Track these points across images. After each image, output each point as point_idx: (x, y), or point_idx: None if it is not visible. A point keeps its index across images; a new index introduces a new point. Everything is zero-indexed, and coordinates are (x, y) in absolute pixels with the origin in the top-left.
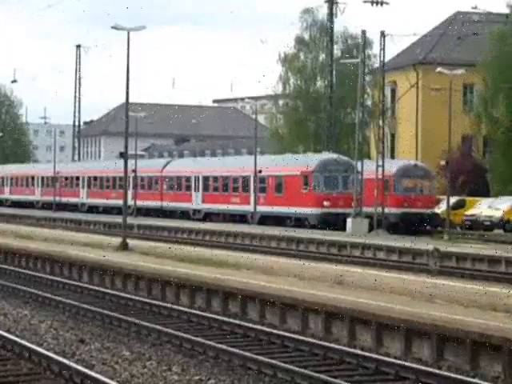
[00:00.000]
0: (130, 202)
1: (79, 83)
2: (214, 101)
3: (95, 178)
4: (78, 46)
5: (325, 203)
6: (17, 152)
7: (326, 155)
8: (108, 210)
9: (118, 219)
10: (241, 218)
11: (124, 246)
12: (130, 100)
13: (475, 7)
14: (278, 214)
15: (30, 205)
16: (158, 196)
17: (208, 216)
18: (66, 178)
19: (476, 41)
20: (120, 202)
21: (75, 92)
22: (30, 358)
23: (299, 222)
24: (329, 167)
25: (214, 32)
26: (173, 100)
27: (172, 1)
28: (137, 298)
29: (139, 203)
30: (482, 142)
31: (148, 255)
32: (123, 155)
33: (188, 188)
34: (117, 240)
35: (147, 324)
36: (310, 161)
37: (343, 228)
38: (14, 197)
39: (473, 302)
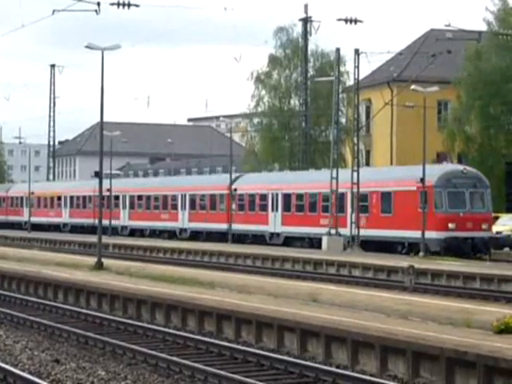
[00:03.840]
0: (181, 224)
1: (54, 103)
2: (189, 119)
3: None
4: (53, 66)
5: (449, 225)
6: None
7: (450, 166)
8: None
9: (94, 238)
10: None
11: (99, 266)
12: (105, 119)
13: (449, 25)
14: (385, 239)
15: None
16: (223, 217)
17: (288, 241)
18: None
19: (450, 58)
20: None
21: (50, 111)
22: (5, 379)
23: (414, 248)
24: (454, 181)
25: (188, 50)
26: (148, 119)
27: (145, 20)
28: (112, 317)
29: (193, 225)
30: (457, 159)
31: (123, 274)
32: (98, 174)
33: (263, 208)
34: (92, 259)
35: (122, 343)
36: (429, 173)
37: (473, 255)
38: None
39: (447, 319)
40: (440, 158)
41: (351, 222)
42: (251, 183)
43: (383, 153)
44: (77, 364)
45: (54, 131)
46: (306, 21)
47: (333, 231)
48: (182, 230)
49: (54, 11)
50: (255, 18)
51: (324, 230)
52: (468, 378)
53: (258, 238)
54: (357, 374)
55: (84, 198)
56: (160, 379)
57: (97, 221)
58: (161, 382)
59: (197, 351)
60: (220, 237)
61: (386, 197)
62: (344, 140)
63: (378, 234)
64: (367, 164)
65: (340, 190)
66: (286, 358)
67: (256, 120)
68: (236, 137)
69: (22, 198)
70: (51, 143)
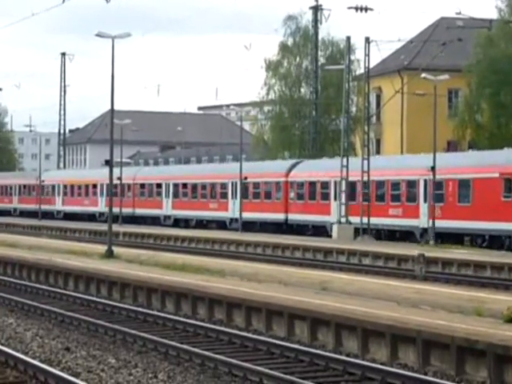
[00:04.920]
0: (232, 214)
1: (64, 91)
2: (199, 108)
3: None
4: (63, 54)
5: None
6: (2, 160)
7: None
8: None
9: (104, 227)
10: (404, 235)
11: (110, 254)
12: (116, 108)
13: (459, 13)
14: (462, 231)
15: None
16: (280, 207)
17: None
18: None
19: (460, 46)
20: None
21: (60, 100)
22: (16, 367)
23: (497, 242)
24: None
25: (199, 39)
26: (158, 107)
27: (155, 8)
28: (122, 305)
29: (246, 215)
30: (467, 147)
31: (133, 263)
32: (108, 163)
33: (325, 197)
34: (103, 248)
35: (133, 331)
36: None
37: None
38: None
39: (458, 308)
40: (450, 147)
41: (427, 213)
42: (311, 170)
43: (393, 141)
44: (87, 352)
45: (64, 119)
46: (316, 9)
47: (343, 219)
48: (233, 220)
49: (64, 0)
50: (265, 6)
51: (393, 221)
52: (478, 366)
53: (319, 230)
54: (367, 362)
55: (122, 185)
56: (170, 367)
57: (136, 210)
58: (171, 369)
59: (207, 339)
60: (275, 228)
61: (464, 185)
62: (354, 129)
63: (454, 225)
64: (377, 153)
65: (411, 178)
66: (296, 346)
67: (266, 108)
68: (246, 125)
69: (53, 186)
70: (62, 131)
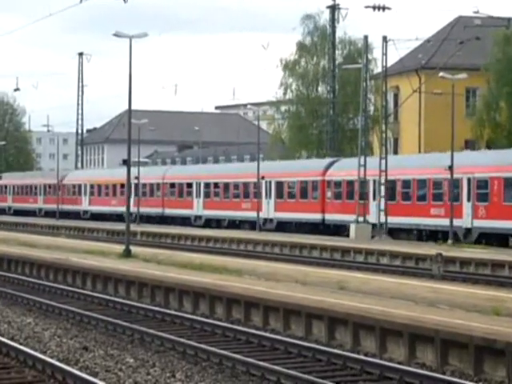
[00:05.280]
0: (266, 214)
1: (82, 91)
2: (217, 107)
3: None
4: (81, 54)
5: None
6: (20, 160)
7: None
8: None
9: (122, 226)
10: (446, 236)
11: (127, 253)
12: (133, 107)
13: (477, 11)
14: (507, 231)
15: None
16: (317, 207)
17: (394, 233)
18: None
19: (478, 45)
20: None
21: (78, 100)
22: (34, 366)
23: None
24: None
25: (216, 38)
26: (175, 107)
27: (172, 8)
28: (140, 304)
29: (280, 215)
30: (485, 147)
31: (151, 262)
32: (126, 162)
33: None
34: (120, 247)
35: (151, 331)
36: None
37: None
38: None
39: (476, 307)
40: (468, 146)
41: (471, 212)
42: (349, 168)
43: (411, 140)
44: (105, 351)
45: (82, 119)
46: (333, 8)
47: (361, 219)
48: (267, 221)
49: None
50: (283, 5)
51: (435, 221)
52: (497, 366)
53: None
54: (385, 361)
55: (151, 185)
56: (188, 366)
57: (165, 210)
58: (189, 369)
59: (224, 339)
60: (311, 228)
61: (509, 183)
62: (372, 128)
63: (499, 225)
64: (395, 152)
65: (455, 176)
66: (313, 345)
67: (283, 108)
68: (263, 125)
69: (80, 185)
70: (79, 131)
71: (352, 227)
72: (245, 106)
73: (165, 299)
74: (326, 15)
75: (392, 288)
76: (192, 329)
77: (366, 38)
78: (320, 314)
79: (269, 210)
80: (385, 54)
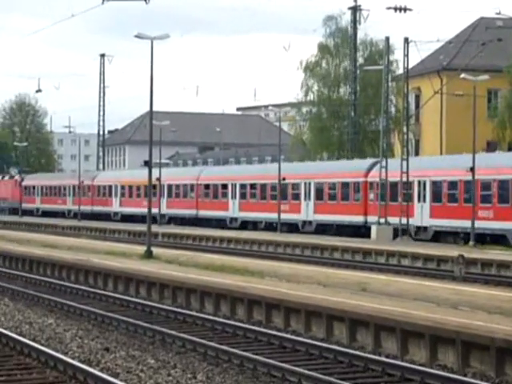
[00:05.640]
0: (305, 216)
1: (103, 92)
2: (238, 109)
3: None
4: (102, 55)
5: None
6: (41, 161)
7: None
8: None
9: (143, 227)
10: (495, 239)
11: (149, 255)
12: (154, 109)
13: (499, 13)
14: None
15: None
16: (359, 209)
17: (438, 236)
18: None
19: (500, 46)
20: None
21: (99, 101)
22: (56, 367)
23: None
24: None
25: (237, 39)
26: (196, 108)
27: (193, 9)
28: (161, 306)
29: (320, 217)
30: (507, 148)
31: (172, 263)
32: (147, 164)
33: (407, 198)
34: (141, 248)
35: (172, 332)
36: None
37: None
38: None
39: (497, 309)
40: (490, 147)
41: None
42: (392, 169)
43: (433, 142)
44: (126, 352)
45: (103, 120)
46: (355, 9)
47: (382, 220)
48: (306, 223)
49: (103, 1)
50: (304, 7)
51: (485, 224)
52: None
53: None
54: (406, 363)
55: (185, 186)
56: (209, 368)
57: (199, 212)
58: (210, 370)
59: (246, 340)
60: (353, 230)
61: None
62: (393, 129)
63: None
64: (416, 153)
65: (504, 177)
66: (335, 347)
67: (305, 109)
68: (284, 126)
69: (110, 186)
70: (101, 132)
71: (373, 229)
72: (266, 107)
73: (186, 300)
74: (348, 16)
75: (413, 290)
76: (213, 330)
77: (387, 39)
78: (341, 315)
79: (308, 212)
80: (406, 55)
